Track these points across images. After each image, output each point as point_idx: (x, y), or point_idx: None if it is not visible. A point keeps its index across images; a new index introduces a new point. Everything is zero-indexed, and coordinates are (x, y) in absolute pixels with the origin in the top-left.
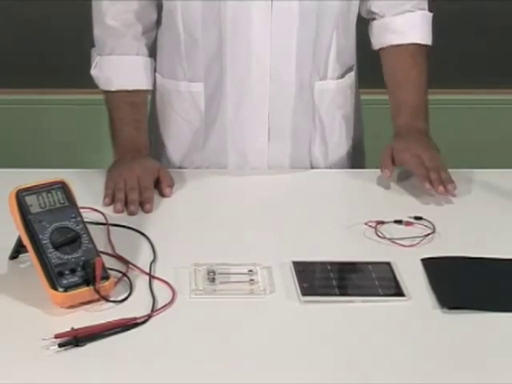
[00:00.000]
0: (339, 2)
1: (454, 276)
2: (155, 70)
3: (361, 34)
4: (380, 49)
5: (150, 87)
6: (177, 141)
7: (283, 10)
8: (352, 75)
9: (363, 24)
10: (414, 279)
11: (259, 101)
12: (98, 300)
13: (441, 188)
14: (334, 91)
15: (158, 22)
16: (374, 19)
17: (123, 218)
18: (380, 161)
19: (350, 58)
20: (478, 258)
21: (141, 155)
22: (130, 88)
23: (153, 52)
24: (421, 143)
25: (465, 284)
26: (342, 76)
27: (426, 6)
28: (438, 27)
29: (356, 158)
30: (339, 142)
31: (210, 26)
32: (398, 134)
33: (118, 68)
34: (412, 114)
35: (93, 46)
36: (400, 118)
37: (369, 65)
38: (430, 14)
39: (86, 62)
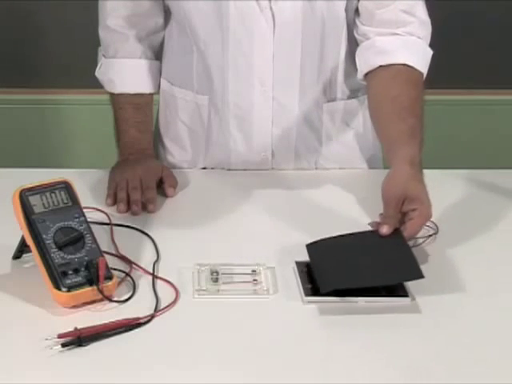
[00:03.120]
0: (345, 25)
1: (332, 259)
2: (161, 74)
3: None
4: (366, 75)
5: (153, 90)
6: (179, 145)
7: (286, 33)
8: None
9: None
10: (418, 279)
11: (261, 120)
12: (101, 300)
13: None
14: (344, 111)
15: (168, 28)
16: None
17: (126, 218)
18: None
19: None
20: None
21: (144, 156)
22: (133, 92)
23: (159, 54)
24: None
25: (343, 266)
26: (354, 97)
27: (423, 36)
28: (438, 27)
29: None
30: (351, 159)
31: (214, 46)
32: (399, 165)
33: (121, 71)
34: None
35: (97, 44)
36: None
37: None
38: (428, 49)
39: (87, 62)
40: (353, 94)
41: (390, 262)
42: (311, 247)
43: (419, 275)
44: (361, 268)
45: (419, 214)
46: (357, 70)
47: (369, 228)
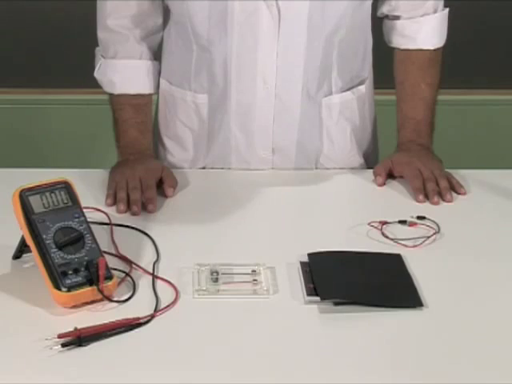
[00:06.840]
0: (349, 21)
1: (335, 271)
2: (160, 74)
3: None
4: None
5: (152, 91)
6: (179, 145)
7: (291, 31)
8: (361, 88)
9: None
10: (418, 279)
11: (263, 118)
12: (101, 300)
13: (435, 199)
14: (339, 104)
15: (167, 28)
16: (387, 18)
17: (126, 218)
18: (375, 168)
19: (357, 72)
20: (355, 252)
21: (144, 156)
22: (133, 92)
23: (157, 55)
24: (421, 157)
25: (343, 278)
26: (348, 89)
27: (442, 5)
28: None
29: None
30: (349, 154)
31: (217, 42)
32: (399, 147)
33: (121, 72)
34: (416, 129)
35: (96, 45)
36: (403, 132)
37: (386, 64)
38: (446, 12)
39: (87, 62)
40: (345, 85)
41: (390, 286)
42: (313, 256)
43: (419, 303)
44: (361, 286)
45: (409, 174)
46: (349, 61)
47: (368, 227)
